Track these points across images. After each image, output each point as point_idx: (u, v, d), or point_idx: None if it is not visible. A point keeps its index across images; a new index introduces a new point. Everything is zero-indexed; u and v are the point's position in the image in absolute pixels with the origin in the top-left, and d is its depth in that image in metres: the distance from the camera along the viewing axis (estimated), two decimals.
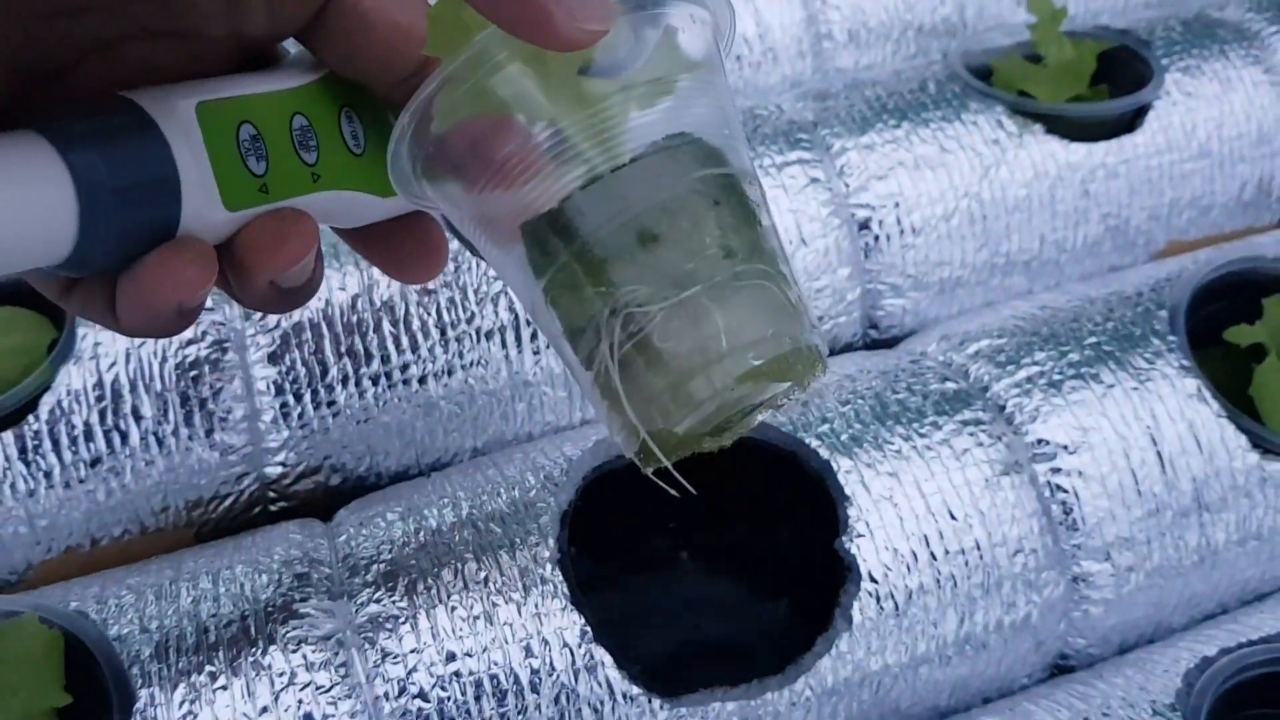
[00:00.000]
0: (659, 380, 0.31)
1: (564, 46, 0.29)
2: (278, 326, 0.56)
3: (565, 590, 0.47)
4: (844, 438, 0.51)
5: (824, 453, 0.51)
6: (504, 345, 0.58)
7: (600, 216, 0.31)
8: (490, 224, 0.33)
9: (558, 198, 0.32)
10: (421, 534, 0.49)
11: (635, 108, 0.32)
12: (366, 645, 0.46)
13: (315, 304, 0.56)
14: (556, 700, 0.45)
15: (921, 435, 0.51)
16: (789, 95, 0.70)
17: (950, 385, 0.54)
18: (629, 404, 0.32)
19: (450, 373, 0.58)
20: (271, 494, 0.57)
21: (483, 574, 0.47)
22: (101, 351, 0.54)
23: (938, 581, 0.49)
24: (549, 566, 0.47)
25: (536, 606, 0.46)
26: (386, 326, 0.57)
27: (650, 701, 0.46)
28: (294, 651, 0.45)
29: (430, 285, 0.58)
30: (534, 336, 0.58)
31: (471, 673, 0.45)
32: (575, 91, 0.32)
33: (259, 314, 0.56)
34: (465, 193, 0.34)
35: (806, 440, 0.51)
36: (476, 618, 0.46)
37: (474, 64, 0.32)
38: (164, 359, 0.54)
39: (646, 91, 0.32)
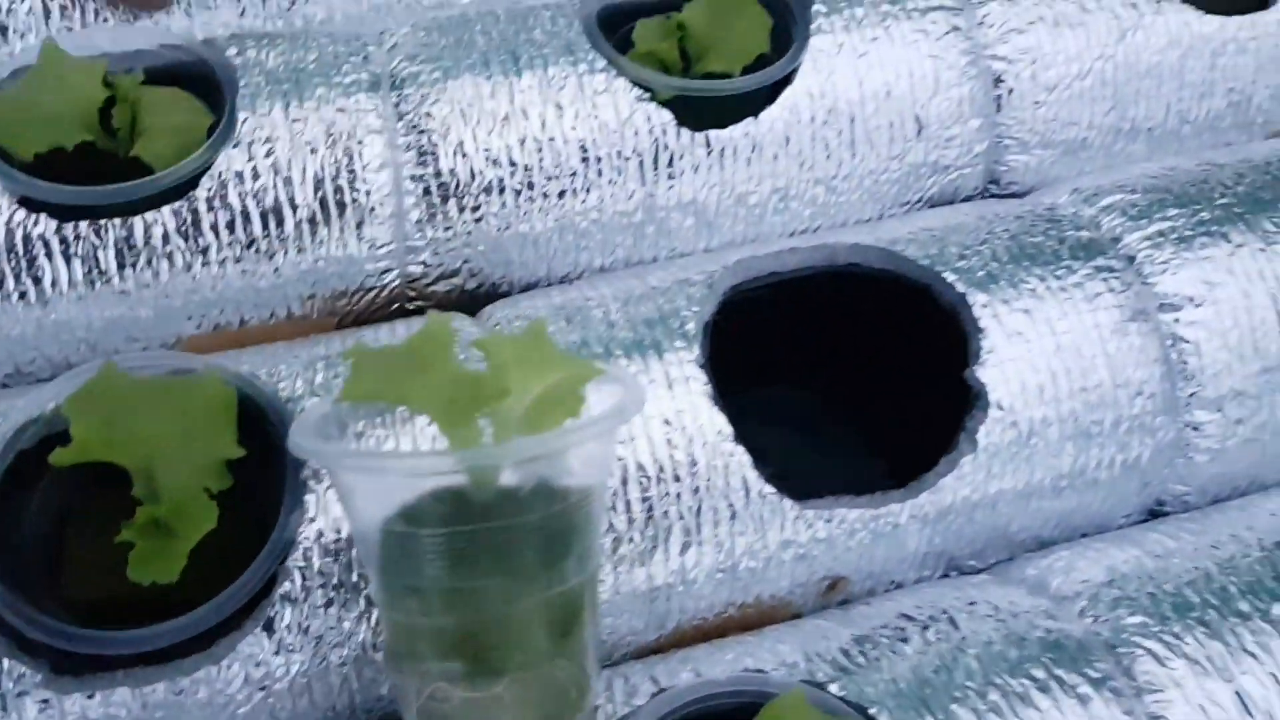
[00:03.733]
0: None
1: None
2: (430, 129, 0.57)
3: (709, 392, 0.49)
4: (980, 274, 0.53)
5: (960, 286, 0.52)
6: (641, 169, 0.59)
7: (453, 585, 0.38)
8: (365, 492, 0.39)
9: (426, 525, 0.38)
10: (570, 332, 0.51)
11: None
12: None
13: (469, 113, 0.58)
14: (696, 491, 0.48)
15: (1056, 277, 0.53)
16: None
17: (1084, 233, 0.55)
18: None
19: (589, 190, 0.59)
20: (410, 292, 0.59)
21: (633, 369, 0.49)
22: (259, 137, 0.56)
23: (1060, 416, 0.51)
24: (694, 369, 0.49)
25: (681, 405, 0.49)
26: (533, 140, 0.58)
27: (782, 501, 0.49)
28: None
29: (576, 102, 0.59)
30: (670, 161, 0.59)
31: (620, 460, 0.48)
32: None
33: (411, 113, 0.58)
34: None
35: (943, 274, 0.53)
36: None
37: None
38: (318, 150, 0.56)
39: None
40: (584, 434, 0.39)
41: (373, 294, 0.58)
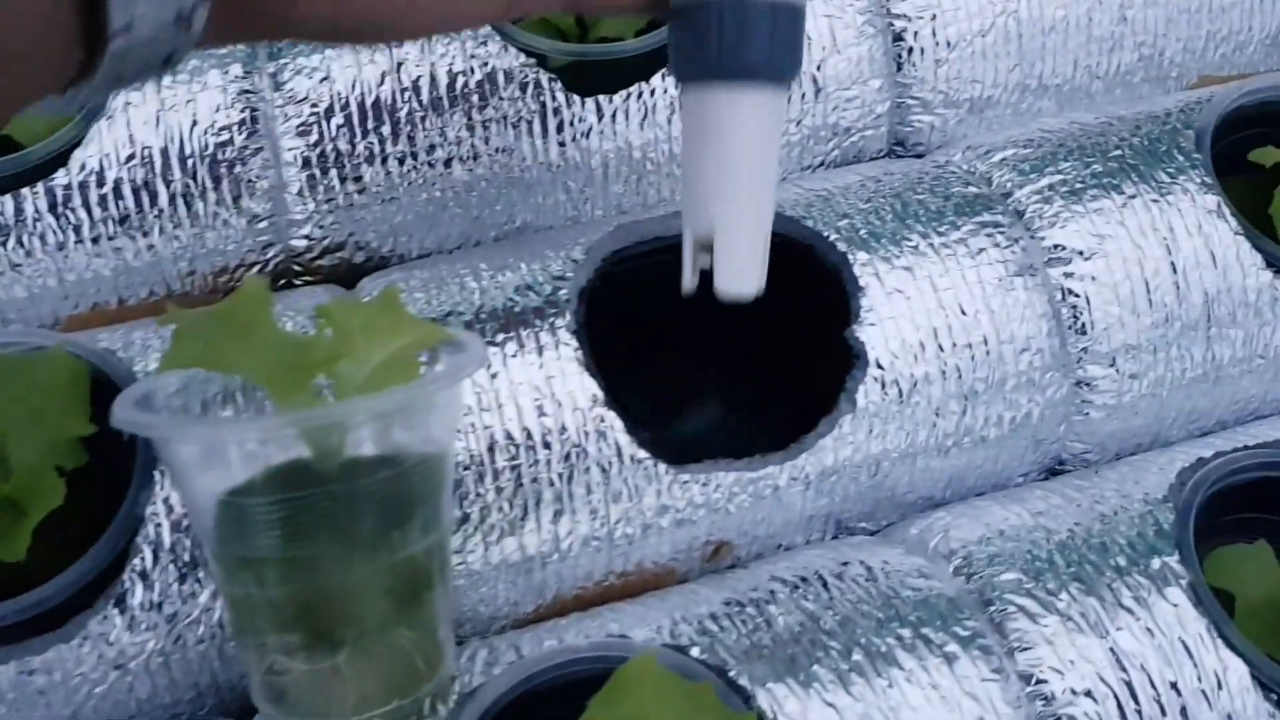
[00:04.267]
0: (288, 715, 0.39)
1: None
2: (306, 99, 0.56)
3: (580, 358, 0.48)
4: (863, 233, 0.52)
5: (841, 246, 0.51)
6: (530, 134, 0.58)
7: (288, 555, 0.37)
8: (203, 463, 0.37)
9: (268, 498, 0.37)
10: (443, 300, 0.50)
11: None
12: None
13: (345, 79, 0.56)
14: (566, 458, 0.47)
15: (940, 234, 0.52)
16: None
17: (971, 189, 0.54)
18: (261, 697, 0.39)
19: (476, 157, 0.58)
20: (296, 267, 0.58)
21: (501, 338, 0.48)
22: (133, 112, 0.55)
23: (943, 373, 0.50)
24: (566, 335, 0.48)
25: (551, 371, 0.48)
26: (414, 107, 0.57)
27: (656, 466, 0.48)
28: None
29: (460, 67, 0.57)
30: (560, 127, 0.58)
31: (486, 427, 0.47)
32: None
33: (288, 84, 0.56)
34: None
35: (825, 234, 0.52)
36: (494, 376, 0.47)
37: None
38: (195, 122, 0.55)
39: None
40: (416, 393, 0.38)
41: (256, 270, 0.57)
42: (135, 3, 0.28)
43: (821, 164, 0.62)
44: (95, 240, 0.54)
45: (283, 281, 0.58)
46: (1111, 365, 0.52)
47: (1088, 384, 0.52)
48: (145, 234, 0.55)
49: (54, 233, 0.54)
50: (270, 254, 0.57)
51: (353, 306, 0.40)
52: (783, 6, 0.39)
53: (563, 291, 0.50)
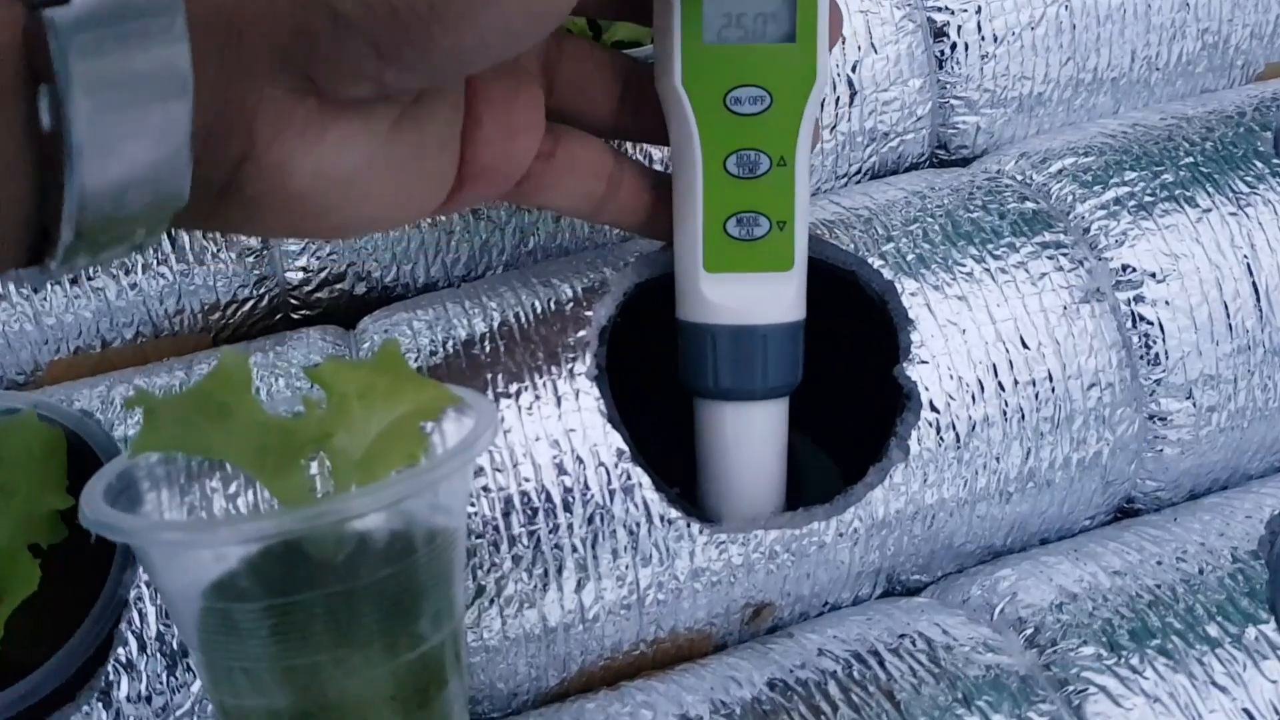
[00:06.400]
0: None
1: None
2: None
3: (603, 408, 0.44)
4: (910, 258, 0.47)
5: (888, 273, 0.47)
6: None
7: (284, 662, 0.33)
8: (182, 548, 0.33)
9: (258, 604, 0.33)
10: (450, 344, 0.46)
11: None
12: None
13: None
14: (590, 520, 0.43)
15: (996, 257, 0.47)
16: None
17: (1030, 205, 0.49)
18: None
19: None
20: (293, 301, 0.54)
21: (514, 388, 0.44)
22: None
23: (1004, 414, 0.45)
24: (586, 383, 0.44)
25: (571, 423, 0.43)
26: None
27: (689, 526, 0.43)
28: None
29: None
30: None
31: (501, 489, 0.42)
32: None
33: None
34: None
35: (869, 260, 0.47)
36: (507, 432, 0.43)
37: None
38: None
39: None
40: (425, 479, 0.33)
41: (249, 305, 0.53)
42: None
43: (858, 171, 0.58)
44: (73, 280, 0.50)
45: (279, 316, 0.54)
46: (1188, 398, 0.47)
47: (1162, 419, 0.47)
48: (127, 271, 0.51)
49: (29, 273, 0.49)
50: (264, 289, 0.53)
51: (348, 368, 0.36)
52: (759, 331, 0.42)
53: (581, 332, 0.45)
